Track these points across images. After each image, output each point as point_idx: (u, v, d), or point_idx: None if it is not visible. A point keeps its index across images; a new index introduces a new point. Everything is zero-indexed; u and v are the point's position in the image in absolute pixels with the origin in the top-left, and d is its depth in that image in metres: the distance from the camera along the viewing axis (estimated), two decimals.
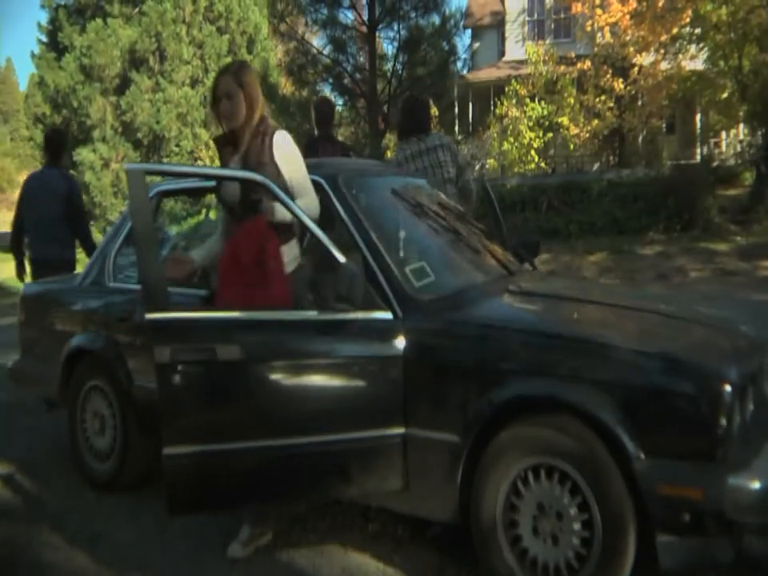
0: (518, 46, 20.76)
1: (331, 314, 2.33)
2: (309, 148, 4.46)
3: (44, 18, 35.18)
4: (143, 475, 3.21)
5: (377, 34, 10.79)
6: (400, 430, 2.30)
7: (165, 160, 20.03)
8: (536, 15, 20.65)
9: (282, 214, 2.38)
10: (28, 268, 4.77)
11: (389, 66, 11.08)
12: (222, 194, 2.55)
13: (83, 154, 19.59)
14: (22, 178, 30.04)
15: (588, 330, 2.24)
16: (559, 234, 12.30)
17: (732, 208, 12.07)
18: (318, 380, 2.33)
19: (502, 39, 22.41)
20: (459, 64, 11.25)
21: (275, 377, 2.28)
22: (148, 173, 2.24)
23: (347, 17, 10.99)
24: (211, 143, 19.89)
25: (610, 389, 2.02)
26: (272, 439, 2.24)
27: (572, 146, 17.97)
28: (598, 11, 14.94)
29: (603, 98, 15.70)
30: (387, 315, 2.33)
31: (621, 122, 15.89)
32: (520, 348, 2.19)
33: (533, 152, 17.72)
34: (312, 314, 2.33)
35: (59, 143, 4.94)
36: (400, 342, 2.31)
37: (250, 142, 2.52)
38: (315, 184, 2.64)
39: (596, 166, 18.67)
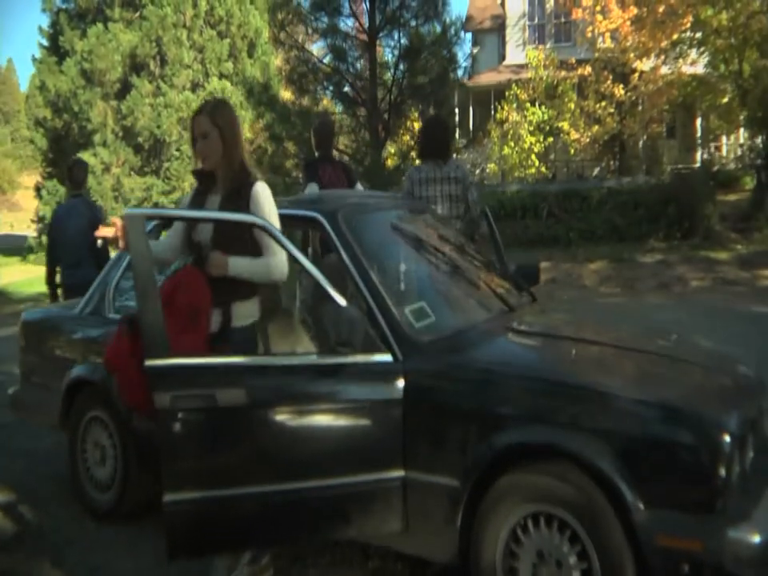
0: (518, 50, 20.77)
1: (331, 358, 2.33)
2: (308, 170, 4.45)
3: (45, 21, 35.29)
4: (143, 506, 3.21)
5: (377, 42, 10.75)
6: (399, 473, 2.30)
7: (165, 164, 20.06)
8: (536, 19, 20.65)
9: (239, 270, 2.33)
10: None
11: (389, 74, 11.04)
12: (193, 234, 2.44)
13: (84, 159, 19.59)
14: (23, 179, 30.46)
15: (587, 375, 2.24)
16: (559, 241, 12.30)
17: (732, 215, 12.07)
18: (318, 424, 2.33)
19: (503, 43, 22.41)
20: (460, 72, 11.18)
21: (275, 422, 2.29)
22: (148, 218, 2.23)
23: (347, 25, 10.96)
24: None
25: (609, 438, 2.02)
26: (272, 484, 2.25)
27: (573, 151, 17.98)
28: (599, 17, 14.93)
29: (604, 103, 15.70)
30: (387, 357, 2.33)
31: (621, 127, 15.87)
32: (520, 393, 2.19)
33: (533, 156, 17.74)
34: (312, 358, 2.34)
35: (81, 173, 5.20)
36: (400, 385, 2.31)
37: (229, 188, 2.44)
38: (314, 221, 2.65)
39: (596, 170, 18.67)
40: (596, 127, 15.92)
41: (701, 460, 1.95)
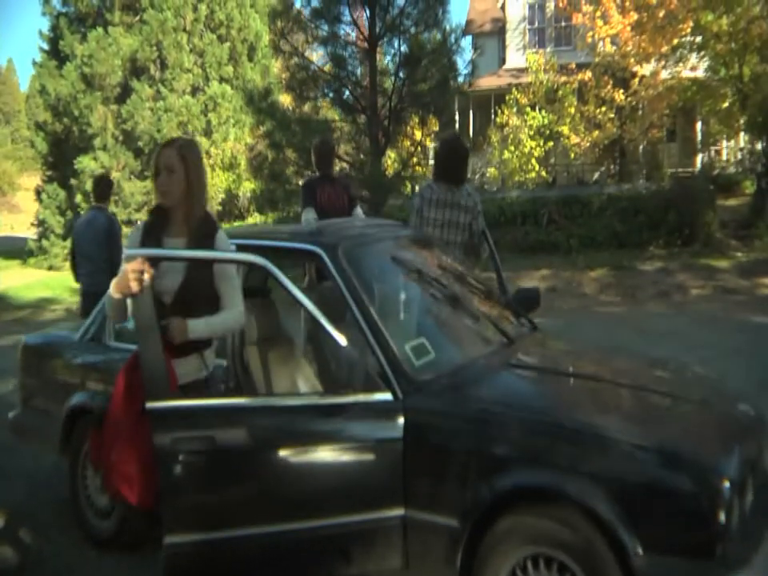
0: (518, 54, 20.77)
1: (332, 398, 2.34)
2: (306, 192, 4.43)
3: (45, 24, 35.13)
4: (144, 535, 3.21)
5: (377, 49, 10.75)
6: (400, 512, 2.30)
7: None
8: (536, 23, 20.64)
9: (199, 333, 2.30)
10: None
11: (390, 81, 11.05)
12: (158, 282, 2.29)
13: (84, 162, 19.60)
14: (23, 180, 30.45)
15: (586, 416, 2.24)
16: (559, 248, 12.31)
17: (733, 222, 12.07)
18: (318, 463, 2.33)
19: (503, 46, 22.40)
20: (460, 79, 11.18)
21: (276, 462, 2.29)
22: (147, 258, 2.23)
23: (348, 32, 10.96)
24: (212, 152, 19.95)
25: (609, 482, 2.02)
26: (274, 525, 2.25)
27: (573, 155, 17.96)
28: (599, 22, 14.93)
29: (604, 108, 15.69)
30: (387, 396, 2.33)
31: (621, 132, 15.87)
32: (519, 435, 2.20)
33: (533, 161, 17.71)
34: (313, 398, 2.34)
35: (107, 190, 5.48)
36: (400, 423, 2.31)
37: (195, 233, 2.39)
38: (314, 255, 2.65)
39: (597, 174, 18.67)
40: (596, 132, 15.92)
41: (700, 506, 1.96)
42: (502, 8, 21.36)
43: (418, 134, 11.94)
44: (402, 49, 10.76)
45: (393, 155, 12.31)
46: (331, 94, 10.96)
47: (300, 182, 11.55)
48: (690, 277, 10.55)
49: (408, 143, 12.01)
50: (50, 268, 20.15)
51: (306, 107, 10.83)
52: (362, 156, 10.72)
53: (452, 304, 2.89)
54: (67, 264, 19.90)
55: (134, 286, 2.15)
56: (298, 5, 11.38)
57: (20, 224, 38.48)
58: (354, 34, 11.00)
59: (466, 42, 15.25)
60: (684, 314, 8.77)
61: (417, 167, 12.11)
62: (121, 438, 2.23)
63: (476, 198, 3.83)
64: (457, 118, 17.12)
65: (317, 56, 10.98)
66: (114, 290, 2.21)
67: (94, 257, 5.00)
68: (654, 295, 10.12)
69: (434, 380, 2.40)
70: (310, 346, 3.27)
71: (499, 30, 22.80)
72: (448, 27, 10.85)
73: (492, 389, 2.45)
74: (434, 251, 3.22)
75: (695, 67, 16.10)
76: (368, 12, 10.61)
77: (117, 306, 2.26)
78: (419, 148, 11.88)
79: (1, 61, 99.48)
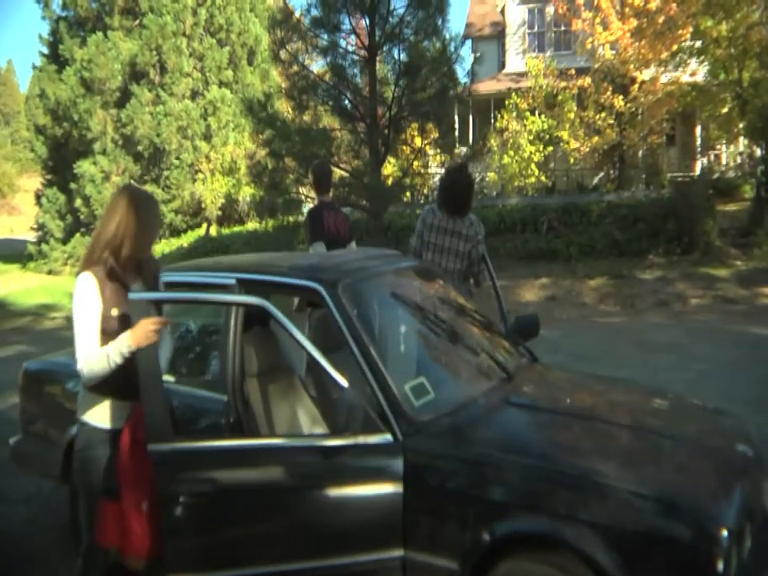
0: (518, 58, 20.79)
1: (332, 439, 2.35)
2: (315, 220, 4.36)
3: (45, 28, 34.97)
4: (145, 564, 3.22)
5: (377, 58, 10.76)
6: (399, 553, 2.31)
7: (165, 173, 20.05)
8: (536, 28, 20.66)
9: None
10: None
11: (390, 90, 11.06)
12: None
13: (84, 167, 19.62)
14: (23, 182, 30.46)
15: (586, 462, 2.24)
16: (559, 256, 12.31)
17: (732, 230, 12.07)
18: (319, 505, 2.34)
19: (503, 50, 22.42)
20: (460, 88, 11.20)
21: (276, 503, 2.30)
22: (152, 301, 2.24)
23: (347, 41, 10.96)
24: (212, 156, 19.95)
25: (607, 530, 2.04)
26: (274, 566, 2.26)
27: (572, 160, 17.98)
28: (598, 29, 14.94)
29: (603, 114, 15.70)
30: (387, 438, 2.34)
31: (621, 138, 15.89)
32: (520, 481, 2.20)
33: (533, 166, 17.74)
34: (313, 440, 2.34)
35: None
36: (399, 465, 2.31)
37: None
38: (313, 292, 2.65)
39: (596, 179, 18.69)
40: (596, 138, 15.93)
41: (698, 555, 1.97)
42: (502, 12, 21.38)
43: (417, 141, 11.95)
44: (402, 57, 10.76)
45: (393, 161, 12.32)
46: (330, 103, 10.94)
47: (299, 191, 11.60)
48: (689, 286, 10.56)
49: (408, 150, 12.02)
50: (50, 272, 20.16)
51: (306, 116, 10.81)
52: (361, 165, 10.69)
53: (451, 339, 2.90)
54: (67, 269, 19.82)
55: (155, 337, 2.20)
56: (297, 11, 11.49)
57: (20, 226, 38.48)
58: (353, 43, 10.98)
59: (466, 49, 15.19)
60: (683, 325, 8.79)
61: (417, 177, 12.12)
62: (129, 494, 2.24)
63: (478, 228, 3.82)
64: (457, 123, 17.16)
65: (316, 64, 10.94)
66: (133, 341, 2.19)
67: None
68: (654, 305, 10.13)
69: (434, 421, 2.41)
70: (311, 377, 3.28)
71: (499, 33, 22.82)
72: (448, 36, 10.84)
73: (491, 430, 2.45)
74: (434, 283, 3.23)
75: (695, 72, 16.13)
76: (367, 20, 10.61)
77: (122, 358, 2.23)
78: (419, 155, 11.88)
79: (0, 62, 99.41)
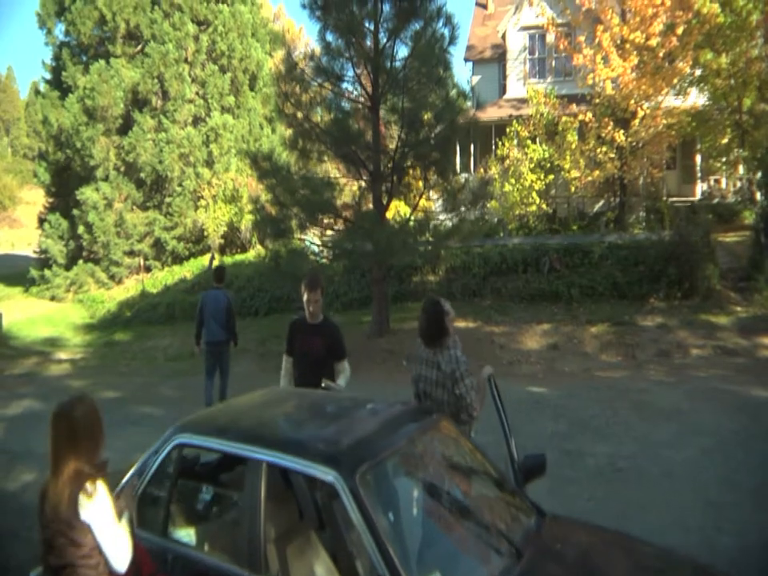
0: (519, 84, 20.87)
1: None
2: (290, 333, 4.71)
3: (48, 53, 34.65)
4: None
5: (380, 107, 10.85)
6: None
7: (167, 200, 20.15)
8: (537, 53, 20.72)
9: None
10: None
11: (392, 137, 11.16)
12: None
13: (86, 194, 19.72)
14: (24, 194, 30.72)
15: None
16: (561, 297, 12.41)
17: (732, 275, 12.14)
18: None
19: (503, 73, 22.48)
20: (462, 118, 11.27)
21: None
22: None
23: (350, 91, 11.05)
24: (214, 182, 20.04)
25: None
26: None
27: (573, 189, 18.06)
28: (599, 65, 15.01)
29: (605, 148, 15.79)
30: None
31: (622, 173, 15.98)
32: None
33: (534, 194, 17.83)
34: None
35: (223, 275, 8.35)
36: None
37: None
38: (327, 484, 2.72)
39: (597, 206, 18.79)
40: (597, 172, 16.02)
41: None
42: (503, 38, 21.43)
43: (420, 184, 12.06)
44: (405, 105, 10.83)
45: (398, 206, 12.42)
46: (333, 149, 11.03)
47: (303, 237, 11.70)
48: (689, 335, 10.64)
49: (412, 194, 12.14)
50: (53, 298, 20.27)
51: (311, 164, 10.91)
52: (363, 211, 10.78)
53: (464, 516, 2.98)
54: (70, 295, 19.92)
55: None
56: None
57: (21, 240, 38.64)
58: (357, 91, 11.07)
59: (467, 72, 15.26)
60: (684, 383, 8.86)
61: (420, 213, 12.21)
62: None
63: (455, 365, 3.79)
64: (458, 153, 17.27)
65: (320, 112, 11.03)
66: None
67: (217, 320, 7.84)
68: (655, 355, 10.22)
69: None
70: (330, 535, 3.35)
71: (500, 56, 22.90)
72: (450, 83, 10.92)
73: None
74: (447, 443, 3.31)
75: (695, 106, 16.24)
76: (371, 71, 10.70)
77: None
78: (423, 198, 12.00)
79: (1, 69, 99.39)
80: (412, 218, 11.59)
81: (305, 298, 4.61)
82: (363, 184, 11.25)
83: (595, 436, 7.07)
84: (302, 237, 11.34)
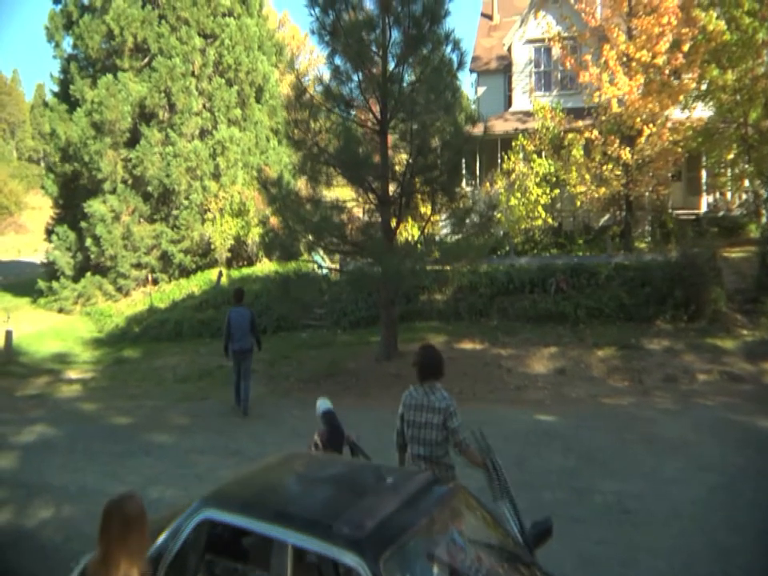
0: (524, 97, 20.92)
1: None
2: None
3: (56, 66, 34.84)
4: None
5: (388, 132, 10.94)
6: None
7: (174, 212, 20.26)
8: (543, 66, 20.77)
9: None
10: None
11: (400, 161, 11.25)
12: None
13: (94, 206, 19.84)
14: (30, 199, 31.17)
15: None
16: (567, 318, 12.47)
17: (738, 297, 12.18)
18: None
19: (509, 84, 22.54)
20: (469, 128, 11.35)
21: None
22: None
23: (359, 116, 11.14)
24: (221, 195, 20.14)
25: None
26: None
27: (579, 203, 18.12)
28: (606, 84, 15.06)
29: (611, 166, 15.84)
30: None
31: (627, 190, 16.04)
32: None
33: (540, 208, 17.91)
34: None
35: (242, 295, 10.04)
36: None
37: None
38: (352, 568, 2.81)
39: (603, 220, 18.86)
40: (602, 189, 16.08)
41: None
42: (509, 50, 21.47)
43: (428, 208, 12.16)
44: (413, 129, 10.91)
45: (408, 228, 12.50)
46: (342, 173, 11.12)
47: (311, 257, 11.80)
48: (696, 359, 10.70)
49: (423, 210, 12.24)
50: (60, 310, 20.39)
51: (319, 189, 11.01)
52: (372, 237, 10.87)
53: None
54: (77, 307, 20.10)
55: None
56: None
57: (27, 246, 38.79)
58: (365, 117, 11.16)
59: (472, 82, 15.35)
60: (690, 411, 8.92)
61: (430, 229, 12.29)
62: None
63: (449, 401, 4.21)
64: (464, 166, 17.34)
65: (329, 137, 11.12)
66: None
67: (242, 332, 9.57)
68: (661, 380, 10.27)
69: None
70: None
71: (505, 67, 22.95)
72: (459, 108, 11.00)
73: None
74: (464, 514, 3.39)
75: (702, 119, 16.26)
76: (379, 98, 10.78)
77: None
78: (430, 224, 12.09)
79: (6, 72, 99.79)
80: (420, 240, 11.69)
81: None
82: (372, 207, 11.33)
83: (603, 471, 7.13)
84: (311, 258, 11.44)
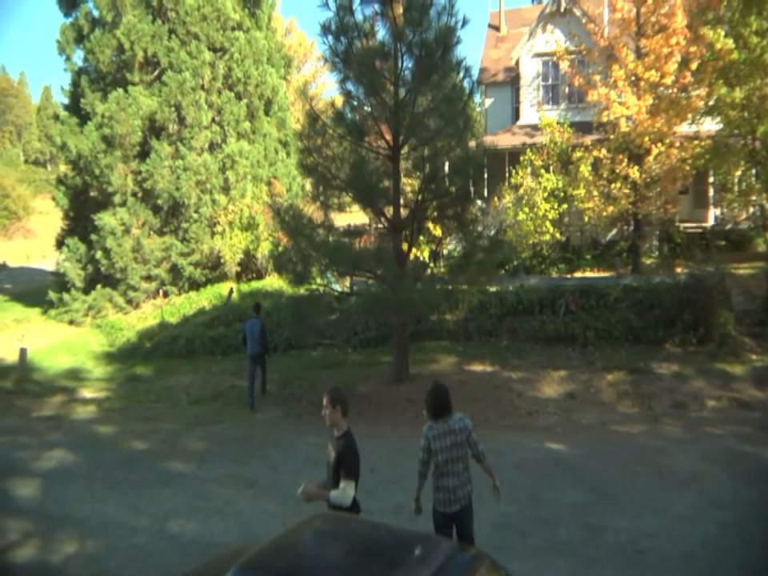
0: (532, 110, 21.01)
1: None
2: (356, 454, 4.62)
3: (66, 79, 34.92)
4: None
5: (400, 158, 11.06)
6: None
7: (184, 225, 20.40)
8: (550, 80, 20.85)
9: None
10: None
11: (413, 189, 11.39)
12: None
13: (104, 219, 20.00)
14: (38, 204, 31.56)
15: None
16: (577, 340, 12.57)
17: (747, 320, 12.26)
18: None
19: (517, 96, 22.61)
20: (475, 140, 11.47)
21: None
22: None
23: (371, 144, 11.27)
24: (230, 208, 20.27)
25: None
26: None
27: (587, 218, 18.21)
28: (614, 104, 15.15)
29: (619, 184, 15.93)
30: None
31: (636, 208, 16.13)
32: None
33: (548, 223, 18.01)
34: None
35: (259, 309, 12.14)
36: None
37: None
38: None
39: (610, 235, 18.95)
40: (611, 207, 16.17)
41: None
42: (516, 64, 21.55)
43: (439, 231, 12.27)
44: (425, 155, 11.03)
45: (423, 247, 12.62)
46: (354, 199, 11.26)
47: (324, 280, 11.94)
48: (705, 384, 10.78)
49: (434, 233, 12.36)
50: (71, 322, 20.54)
51: (330, 214, 11.15)
52: (384, 264, 10.98)
53: None
54: (87, 320, 20.35)
55: None
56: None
57: (35, 252, 39.01)
58: (377, 143, 11.28)
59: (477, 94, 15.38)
60: (701, 442, 8.99)
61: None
62: None
63: (466, 420, 4.86)
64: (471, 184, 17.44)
65: (340, 163, 11.25)
66: None
67: (255, 339, 11.36)
68: (671, 406, 10.36)
69: None
70: None
71: (512, 79, 23.03)
72: (470, 135, 11.11)
73: None
74: None
75: (710, 132, 16.32)
76: (391, 124, 10.90)
77: None
78: (441, 246, 12.22)
79: (13, 74, 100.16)
80: (431, 262, 11.83)
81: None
82: (384, 232, 11.46)
83: (615, 506, 7.23)
84: (324, 281, 11.57)
